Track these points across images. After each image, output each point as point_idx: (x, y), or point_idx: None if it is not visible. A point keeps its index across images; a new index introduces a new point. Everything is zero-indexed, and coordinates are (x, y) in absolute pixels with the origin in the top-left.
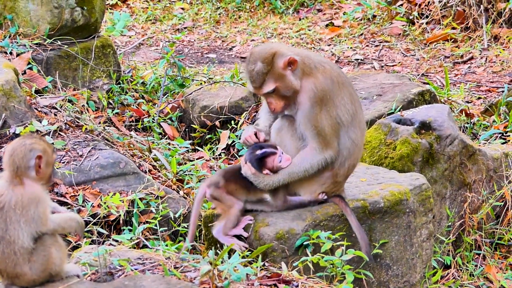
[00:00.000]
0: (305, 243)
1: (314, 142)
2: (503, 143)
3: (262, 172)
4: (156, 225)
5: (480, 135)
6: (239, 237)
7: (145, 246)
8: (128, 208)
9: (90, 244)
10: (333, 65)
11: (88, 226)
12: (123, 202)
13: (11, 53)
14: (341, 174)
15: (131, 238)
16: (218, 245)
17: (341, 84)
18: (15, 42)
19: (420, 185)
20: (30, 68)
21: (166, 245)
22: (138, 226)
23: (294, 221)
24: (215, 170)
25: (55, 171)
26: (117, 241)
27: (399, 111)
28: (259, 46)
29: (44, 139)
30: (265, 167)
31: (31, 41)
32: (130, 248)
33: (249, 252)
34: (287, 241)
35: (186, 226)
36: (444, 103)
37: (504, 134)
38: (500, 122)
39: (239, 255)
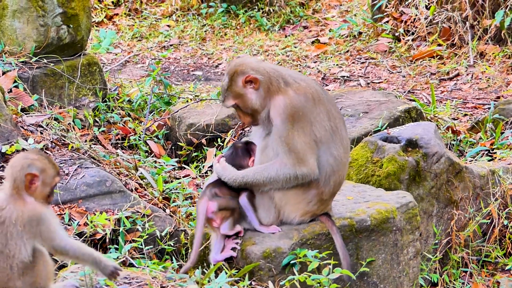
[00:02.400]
0: (292, 261)
1: (285, 158)
2: (489, 160)
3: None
4: (142, 244)
5: (466, 152)
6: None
7: (131, 265)
8: (114, 227)
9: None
10: (311, 82)
11: None
12: (109, 221)
13: None
14: (326, 192)
15: (117, 257)
16: (205, 264)
17: (318, 100)
18: (0, 60)
19: (407, 203)
20: (16, 86)
21: (153, 263)
22: (125, 244)
23: (281, 240)
24: (202, 188)
25: (52, 193)
26: None
27: (386, 128)
28: (235, 60)
29: (50, 159)
30: (238, 162)
31: (17, 59)
32: None
33: (236, 271)
34: (274, 259)
35: (172, 244)
36: (430, 120)
37: (491, 151)
38: (487, 139)
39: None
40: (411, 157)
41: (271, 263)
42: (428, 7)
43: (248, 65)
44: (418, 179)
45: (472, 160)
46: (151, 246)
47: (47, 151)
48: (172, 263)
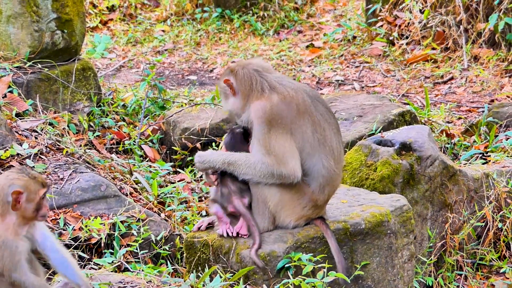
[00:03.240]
0: (286, 265)
1: (264, 158)
2: (483, 163)
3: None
4: (137, 248)
5: (460, 156)
6: None
7: (126, 270)
8: (110, 231)
9: None
10: (301, 92)
11: (69, 250)
12: (104, 225)
13: None
14: (321, 199)
15: (112, 262)
16: (200, 268)
17: (303, 111)
18: None
19: (401, 206)
20: (11, 92)
21: (148, 268)
22: (120, 249)
23: (276, 243)
24: (196, 193)
25: (41, 207)
26: (98, 264)
27: (380, 132)
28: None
29: (31, 175)
30: (238, 148)
31: (12, 64)
32: (112, 271)
33: (231, 275)
34: (268, 263)
35: (167, 249)
36: (424, 124)
37: (485, 154)
38: (481, 142)
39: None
40: (405, 160)
41: (266, 266)
42: (422, 11)
43: (234, 69)
44: (412, 182)
45: (466, 163)
46: (146, 251)
47: (41, 156)
48: (167, 267)
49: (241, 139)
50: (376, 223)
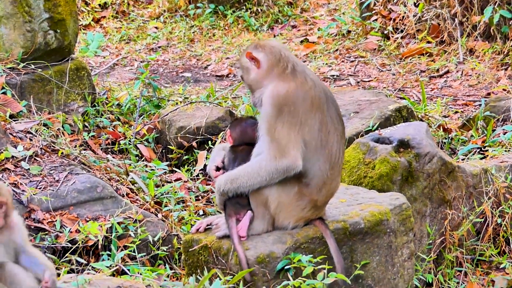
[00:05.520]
0: (286, 266)
1: (267, 149)
2: (481, 158)
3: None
4: (134, 250)
5: (458, 150)
6: None
7: (124, 273)
8: (107, 233)
9: (69, 273)
10: (320, 87)
11: (66, 255)
12: (101, 227)
13: None
14: (320, 200)
15: (110, 266)
16: (198, 271)
17: (317, 107)
18: None
19: (400, 204)
20: (4, 93)
21: (147, 271)
22: (117, 251)
23: (275, 245)
24: (193, 192)
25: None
26: (96, 269)
27: (377, 128)
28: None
29: None
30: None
31: (4, 66)
32: (110, 275)
33: (230, 277)
34: (268, 264)
35: (165, 250)
36: (421, 119)
37: (482, 149)
38: (478, 136)
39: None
40: (403, 157)
41: (265, 268)
42: (417, 4)
43: (262, 43)
44: (411, 179)
45: (464, 159)
46: (144, 254)
47: (36, 158)
48: (165, 268)
49: (251, 129)
50: (376, 222)
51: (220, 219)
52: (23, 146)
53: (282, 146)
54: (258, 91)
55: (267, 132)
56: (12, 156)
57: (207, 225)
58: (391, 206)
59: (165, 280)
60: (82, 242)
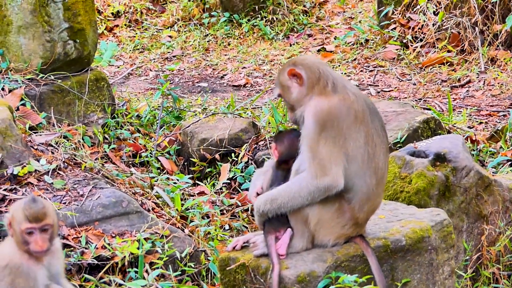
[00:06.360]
0: (327, 286)
1: (308, 167)
2: None
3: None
4: (162, 267)
5: (487, 163)
6: None
7: None
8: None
9: None
10: (362, 99)
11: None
12: (127, 243)
13: (3, 89)
14: (361, 218)
15: (145, 285)
16: None
17: (361, 120)
18: (6, 77)
19: (441, 221)
20: (23, 104)
21: None
22: (144, 267)
23: (315, 263)
24: (218, 205)
25: (27, 241)
26: None
27: (405, 140)
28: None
29: (26, 205)
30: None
31: (23, 76)
32: None
33: None
34: (308, 284)
35: (192, 266)
36: (449, 131)
37: None
38: (508, 148)
39: None
40: (440, 171)
41: (306, 287)
42: (436, 13)
43: (302, 60)
44: (448, 194)
45: (495, 171)
46: (179, 273)
47: (59, 172)
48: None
49: (296, 140)
50: (417, 239)
51: (258, 237)
52: (46, 160)
53: (323, 164)
54: (299, 108)
55: (309, 149)
56: (35, 170)
57: (244, 243)
58: (432, 222)
59: None
60: (108, 258)
